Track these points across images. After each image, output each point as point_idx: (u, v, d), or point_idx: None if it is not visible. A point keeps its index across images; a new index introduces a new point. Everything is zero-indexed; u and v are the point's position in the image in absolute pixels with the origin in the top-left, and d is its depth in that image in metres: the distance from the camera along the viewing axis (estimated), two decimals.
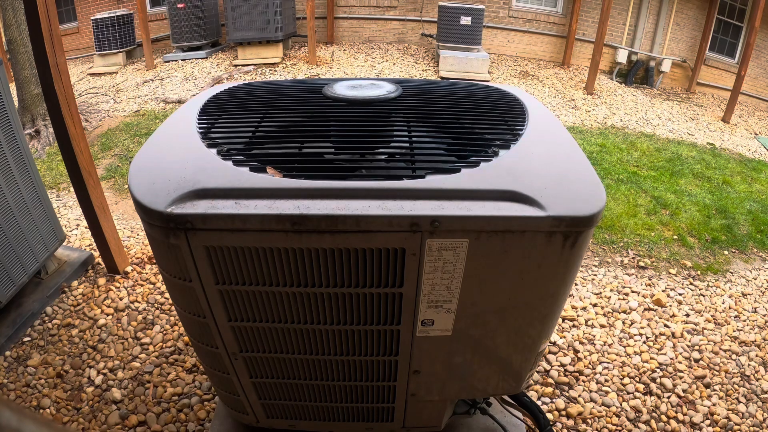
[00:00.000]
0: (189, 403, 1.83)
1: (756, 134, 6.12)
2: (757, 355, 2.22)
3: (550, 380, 2.01)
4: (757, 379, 2.09)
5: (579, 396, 1.95)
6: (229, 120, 1.21)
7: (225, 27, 6.83)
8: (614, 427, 1.84)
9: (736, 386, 2.05)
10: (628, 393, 1.98)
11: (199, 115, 1.22)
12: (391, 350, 1.15)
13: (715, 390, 2.02)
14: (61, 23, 7.70)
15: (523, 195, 0.93)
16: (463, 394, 1.32)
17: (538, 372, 2.05)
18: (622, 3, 7.17)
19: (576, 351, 2.18)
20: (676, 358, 2.18)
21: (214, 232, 0.92)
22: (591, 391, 1.97)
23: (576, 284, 2.65)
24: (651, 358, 2.16)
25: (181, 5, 6.71)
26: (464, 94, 1.36)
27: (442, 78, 6.34)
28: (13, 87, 4.64)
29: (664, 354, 2.19)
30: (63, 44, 2.05)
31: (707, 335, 2.33)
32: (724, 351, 2.24)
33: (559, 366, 2.09)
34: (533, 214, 0.91)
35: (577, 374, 2.06)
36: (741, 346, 2.28)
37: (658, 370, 2.10)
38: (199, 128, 1.14)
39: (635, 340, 2.26)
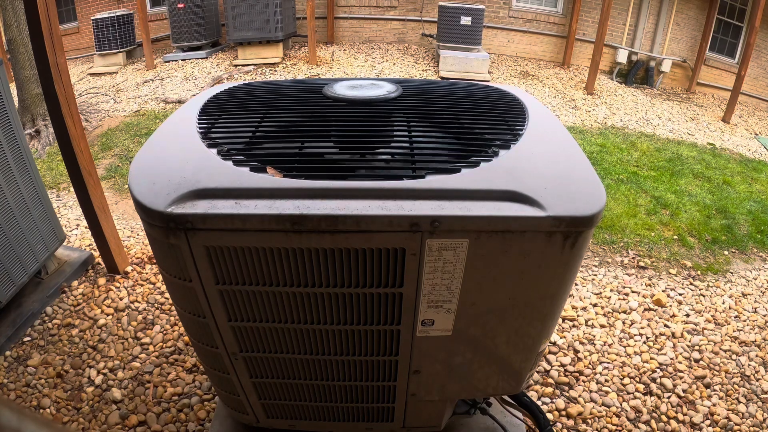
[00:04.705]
0: (189, 403, 1.83)
1: (756, 134, 6.12)
2: (757, 355, 2.22)
3: (550, 380, 2.01)
4: (757, 379, 2.09)
5: (579, 396, 1.95)
6: (230, 120, 1.21)
7: (225, 27, 6.83)
8: (614, 427, 1.84)
9: (736, 386, 2.05)
10: (628, 393, 1.98)
11: (199, 115, 1.22)
12: (391, 350, 1.15)
13: (715, 390, 2.02)
14: (61, 23, 7.70)
15: (523, 195, 0.93)
16: (463, 394, 1.32)
17: (538, 372, 2.05)
18: (622, 3, 7.17)
19: (576, 351, 2.17)
20: (676, 358, 2.18)
21: (214, 232, 0.92)
22: (591, 391, 1.97)
23: (576, 284, 2.65)
24: (651, 358, 2.16)
25: (181, 5, 6.71)
26: (464, 94, 1.36)
27: (443, 78, 6.33)
28: (13, 87, 4.64)
29: (664, 354, 2.19)
30: (63, 44, 2.05)
31: (707, 335, 2.33)
32: (724, 351, 2.24)
33: (559, 366, 2.09)
34: (533, 214, 0.91)
35: (577, 374, 2.06)
36: (741, 346, 2.28)
37: (658, 370, 2.10)
38: (199, 128, 1.14)
39: (635, 340, 2.26)
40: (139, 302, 2.35)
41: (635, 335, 2.29)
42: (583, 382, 2.02)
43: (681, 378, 2.07)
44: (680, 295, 2.64)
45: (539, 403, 1.91)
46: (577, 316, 2.39)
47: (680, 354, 2.20)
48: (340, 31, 7.89)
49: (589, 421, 1.85)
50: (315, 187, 0.93)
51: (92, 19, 6.94)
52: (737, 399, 1.99)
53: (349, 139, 1.11)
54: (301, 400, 1.32)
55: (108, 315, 2.26)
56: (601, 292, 2.59)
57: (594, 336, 2.27)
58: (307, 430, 1.47)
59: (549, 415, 1.86)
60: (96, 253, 2.57)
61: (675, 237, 3.23)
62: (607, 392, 1.98)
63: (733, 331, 2.37)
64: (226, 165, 0.99)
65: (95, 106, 5.46)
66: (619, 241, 3.13)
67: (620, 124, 5.54)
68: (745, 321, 2.46)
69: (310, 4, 6.37)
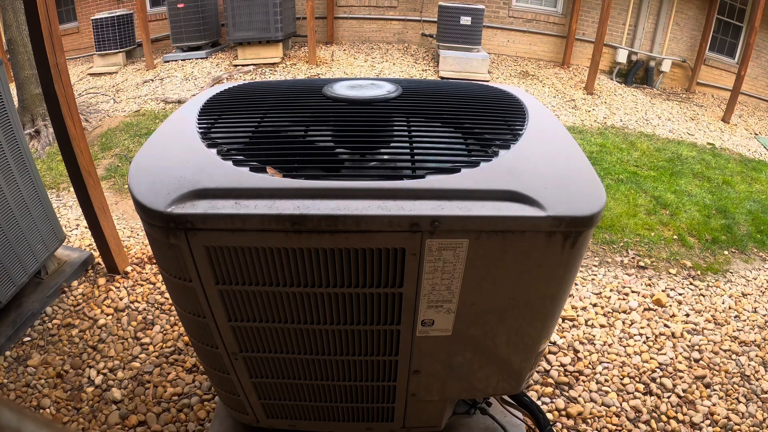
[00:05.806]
0: (189, 403, 1.83)
1: (756, 134, 6.12)
2: (757, 355, 2.22)
3: (550, 380, 2.01)
4: (757, 379, 2.09)
5: (579, 396, 1.95)
6: (229, 120, 1.21)
7: (225, 27, 6.83)
8: (614, 427, 1.84)
9: (736, 386, 2.05)
10: (628, 393, 1.98)
11: (199, 115, 1.22)
12: (391, 350, 1.15)
13: (715, 390, 2.02)
14: (61, 23, 7.70)
15: (523, 195, 0.93)
16: (463, 394, 1.32)
17: (538, 372, 2.05)
18: (622, 3, 7.17)
19: (576, 351, 2.18)
20: (676, 358, 2.18)
21: (214, 232, 0.92)
22: (591, 391, 1.97)
23: (576, 284, 2.65)
24: (651, 358, 2.16)
25: (181, 5, 6.71)
26: (464, 94, 1.36)
27: (442, 78, 6.33)
28: (13, 87, 4.64)
29: (664, 354, 2.19)
30: (63, 44, 2.05)
31: (707, 335, 2.33)
32: (724, 351, 2.24)
33: (559, 366, 2.09)
34: (533, 214, 0.91)
35: (577, 374, 2.06)
36: (741, 346, 2.28)
37: (658, 370, 2.10)
38: (199, 128, 1.14)
39: (635, 340, 2.26)
40: (139, 302, 2.35)
41: (635, 335, 2.30)
42: (583, 382, 2.02)
43: (681, 378, 2.07)
44: (680, 294, 2.64)
45: (539, 403, 1.91)
46: (577, 316, 2.40)
47: (680, 354, 2.20)
48: (340, 31, 7.89)
49: (589, 420, 1.85)
50: (315, 187, 0.93)
51: (92, 19, 6.94)
52: (737, 399, 1.99)
53: (349, 139, 1.11)
54: (301, 400, 1.32)
55: (108, 315, 2.26)
56: (601, 292, 2.59)
57: (594, 336, 2.27)
58: (307, 430, 1.47)
59: (549, 415, 1.86)
60: (96, 253, 2.56)
61: (675, 237, 3.24)
62: (606, 392, 1.98)
63: (733, 331, 2.37)
64: (226, 165, 0.99)
65: (95, 106, 5.46)
66: (618, 241, 3.13)
67: (620, 124, 5.54)
68: (744, 321, 2.46)
69: (310, 4, 6.37)
